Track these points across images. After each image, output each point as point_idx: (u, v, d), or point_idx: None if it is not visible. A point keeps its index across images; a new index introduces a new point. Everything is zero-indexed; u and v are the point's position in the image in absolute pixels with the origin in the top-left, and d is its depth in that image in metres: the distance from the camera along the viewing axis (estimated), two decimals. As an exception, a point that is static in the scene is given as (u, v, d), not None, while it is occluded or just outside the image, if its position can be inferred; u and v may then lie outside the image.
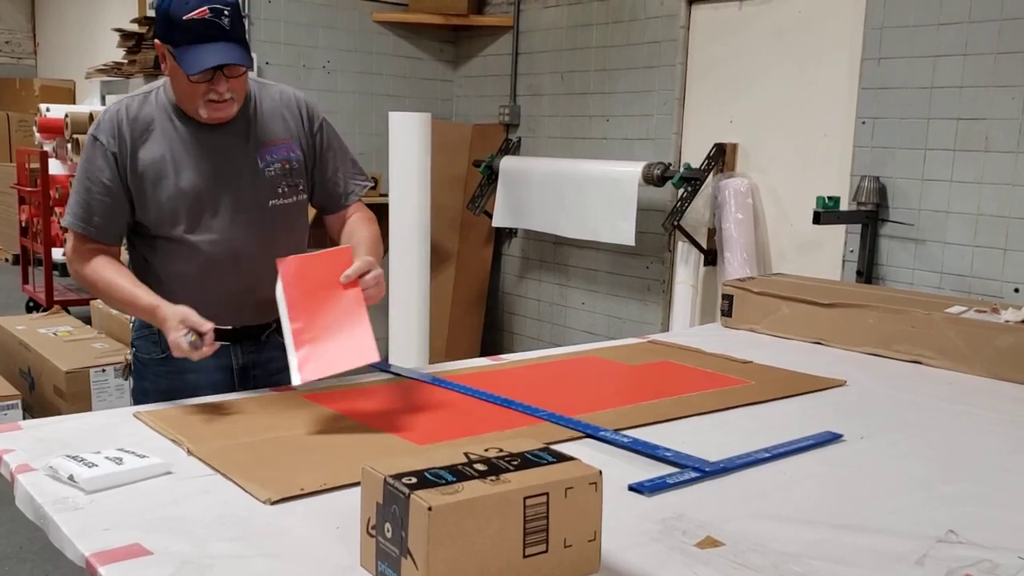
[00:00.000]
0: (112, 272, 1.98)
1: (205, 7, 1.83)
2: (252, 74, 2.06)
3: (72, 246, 2.02)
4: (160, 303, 1.89)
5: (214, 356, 2.01)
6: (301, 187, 2.10)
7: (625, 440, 1.71)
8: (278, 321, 1.93)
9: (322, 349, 1.82)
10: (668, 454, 1.63)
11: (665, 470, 1.58)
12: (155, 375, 2.10)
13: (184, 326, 1.82)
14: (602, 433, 1.74)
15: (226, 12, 1.86)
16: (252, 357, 2.12)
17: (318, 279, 1.86)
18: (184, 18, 1.83)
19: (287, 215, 2.09)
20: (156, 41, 1.91)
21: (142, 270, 2.07)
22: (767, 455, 1.66)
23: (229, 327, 2.05)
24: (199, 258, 2.01)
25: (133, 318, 2.15)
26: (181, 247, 2.01)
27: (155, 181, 1.97)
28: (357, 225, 2.16)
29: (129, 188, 1.98)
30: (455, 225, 5.30)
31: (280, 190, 2.06)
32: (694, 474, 1.55)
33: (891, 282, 3.63)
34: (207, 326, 1.84)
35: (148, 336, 2.09)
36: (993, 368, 2.34)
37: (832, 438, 1.79)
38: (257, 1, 4.94)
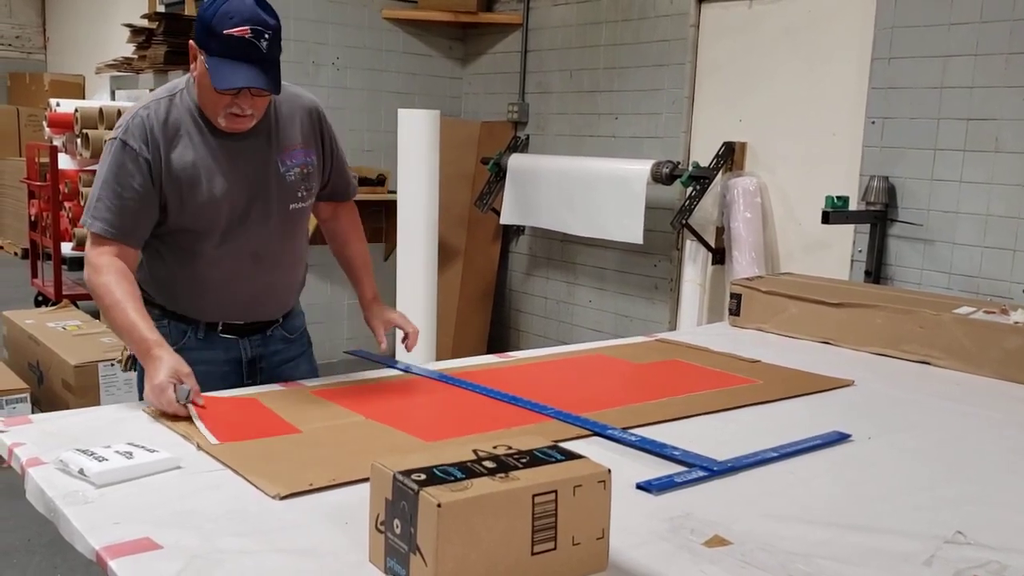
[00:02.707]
0: (122, 293, 1.88)
1: (247, 27, 1.82)
2: None
3: (92, 247, 1.95)
4: (162, 343, 1.83)
5: (224, 349, 2.09)
6: (313, 190, 2.14)
7: (633, 439, 1.71)
8: (284, 316, 2.17)
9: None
10: (676, 453, 1.63)
11: (673, 469, 1.58)
12: None
13: (176, 378, 1.76)
14: (610, 431, 1.74)
15: (267, 36, 1.84)
16: (259, 350, 2.14)
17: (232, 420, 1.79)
18: (224, 32, 1.82)
19: (301, 217, 2.13)
20: (191, 41, 1.91)
21: (161, 271, 2.06)
22: (775, 455, 1.66)
23: (241, 323, 2.10)
24: (225, 261, 2.02)
25: None
26: (208, 251, 2.01)
27: (189, 187, 1.96)
28: (350, 237, 2.31)
29: (163, 193, 1.95)
30: (463, 222, 5.30)
31: (299, 194, 2.09)
32: (702, 473, 1.55)
33: (899, 282, 3.62)
34: (195, 386, 1.79)
35: (157, 328, 2.07)
36: (1002, 369, 2.33)
37: (840, 438, 1.78)
38: (267, -3, 4.95)
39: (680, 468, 1.58)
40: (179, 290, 2.05)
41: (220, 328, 2.08)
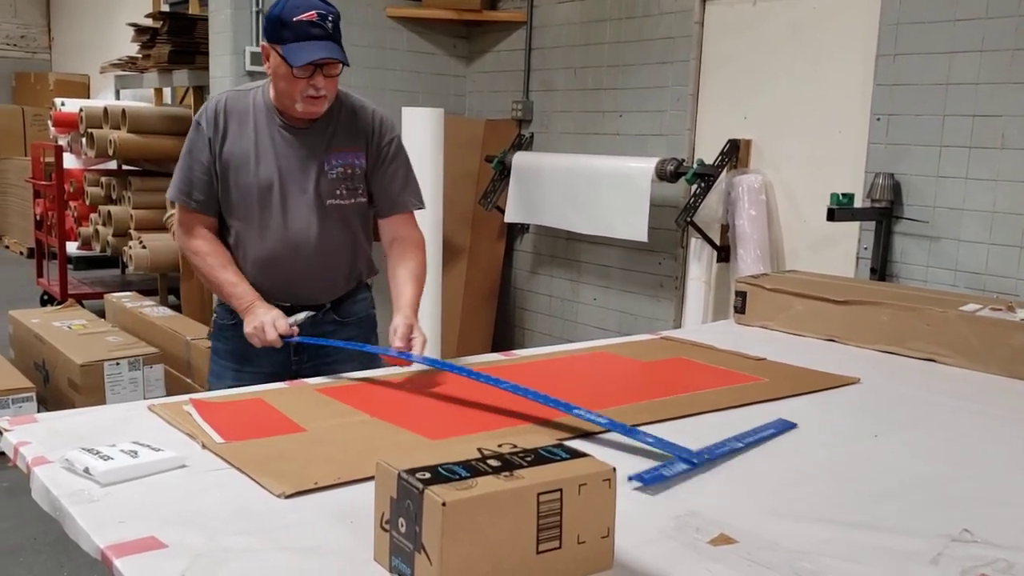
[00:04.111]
0: (213, 256, 2.26)
1: (314, 11, 2.12)
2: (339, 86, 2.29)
3: (178, 217, 2.33)
4: (261, 299, 2.21)
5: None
6: (360, 191, 2.33)
7: (603, 421, 1.71)
8: (333, 302, 2.35)
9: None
10: (649, 440, 1.64)
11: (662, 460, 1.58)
12: (226, 337, 2.38)
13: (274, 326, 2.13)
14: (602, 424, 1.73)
15: (330, 18, 2.15)
16: (308, 331, 2.27)
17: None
18: (294, 19, 2.10)
19: (343, 214, 2.31)
20: (263, 43, 2.18)
21: None
22: (740, 444, 1.68)
23: (288, 304, 2.26)
24: (266, 243, 2.26)
25: None
26: (251, 232, 2.26)
27: (237, 168, 2.23)
28: (402, 260, 2.32)
29: (217, 171, 2.24)
30: (467, 221, 5.30)
31: (339, 191, 2.28)
32: (684, 466, 1.55)
33: (905, 280, 3.61)
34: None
35: (226, 304, 2.34)
36: (1008, 367, 2.32)
37: (787, 427, 1.81)
38: (271, -4, 4.96)
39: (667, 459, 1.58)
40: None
41: None
